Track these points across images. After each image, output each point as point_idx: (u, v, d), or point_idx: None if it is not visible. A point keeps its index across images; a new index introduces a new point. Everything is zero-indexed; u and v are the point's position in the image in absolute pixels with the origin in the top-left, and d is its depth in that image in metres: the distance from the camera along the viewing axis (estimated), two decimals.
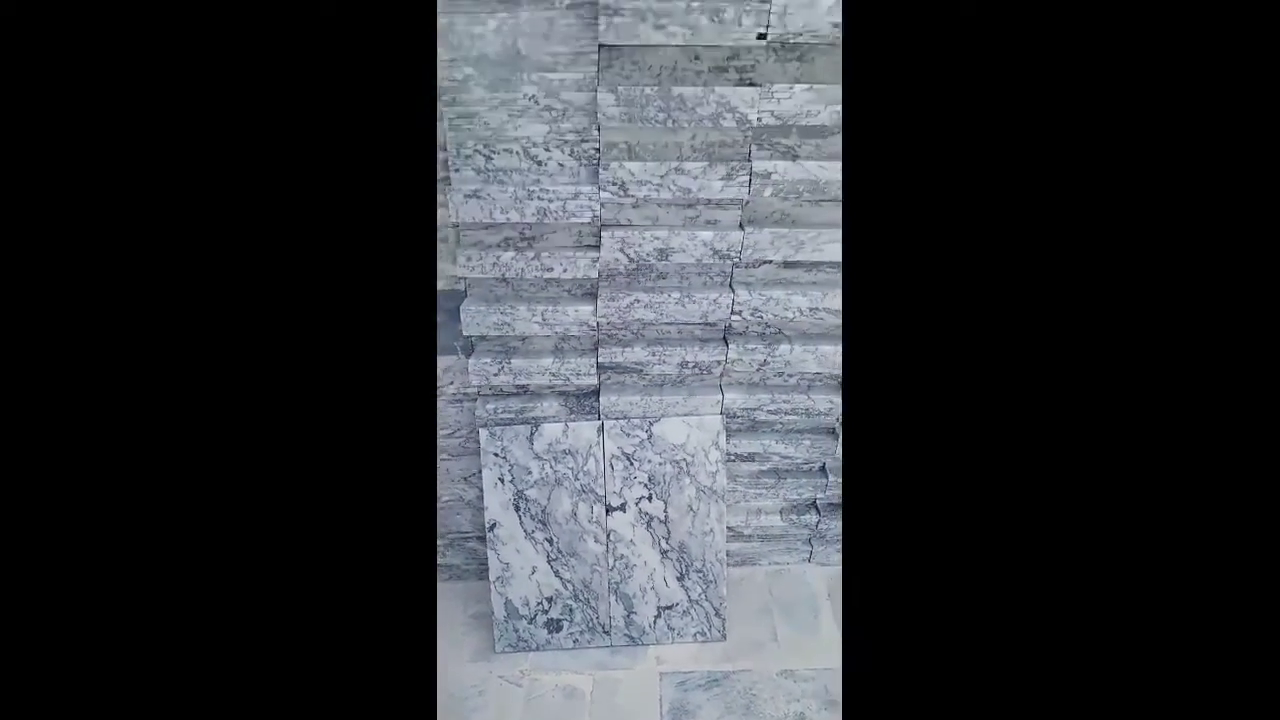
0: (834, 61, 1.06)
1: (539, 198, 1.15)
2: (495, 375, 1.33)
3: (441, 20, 1.02)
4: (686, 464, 1.43)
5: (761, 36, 1.00)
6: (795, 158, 1.13)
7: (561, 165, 1.14)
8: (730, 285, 1.27)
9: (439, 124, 1.10)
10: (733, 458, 1.49)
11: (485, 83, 1.08)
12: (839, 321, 1.32)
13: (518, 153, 1.13)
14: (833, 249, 1.21)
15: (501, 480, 1.41)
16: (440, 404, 1.39)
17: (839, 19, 0.98)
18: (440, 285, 1.28)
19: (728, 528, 1.61)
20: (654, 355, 1.33)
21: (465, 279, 1.26)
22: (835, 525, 1.59)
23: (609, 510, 1.42)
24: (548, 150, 1.13)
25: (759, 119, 1.06)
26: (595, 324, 1.29)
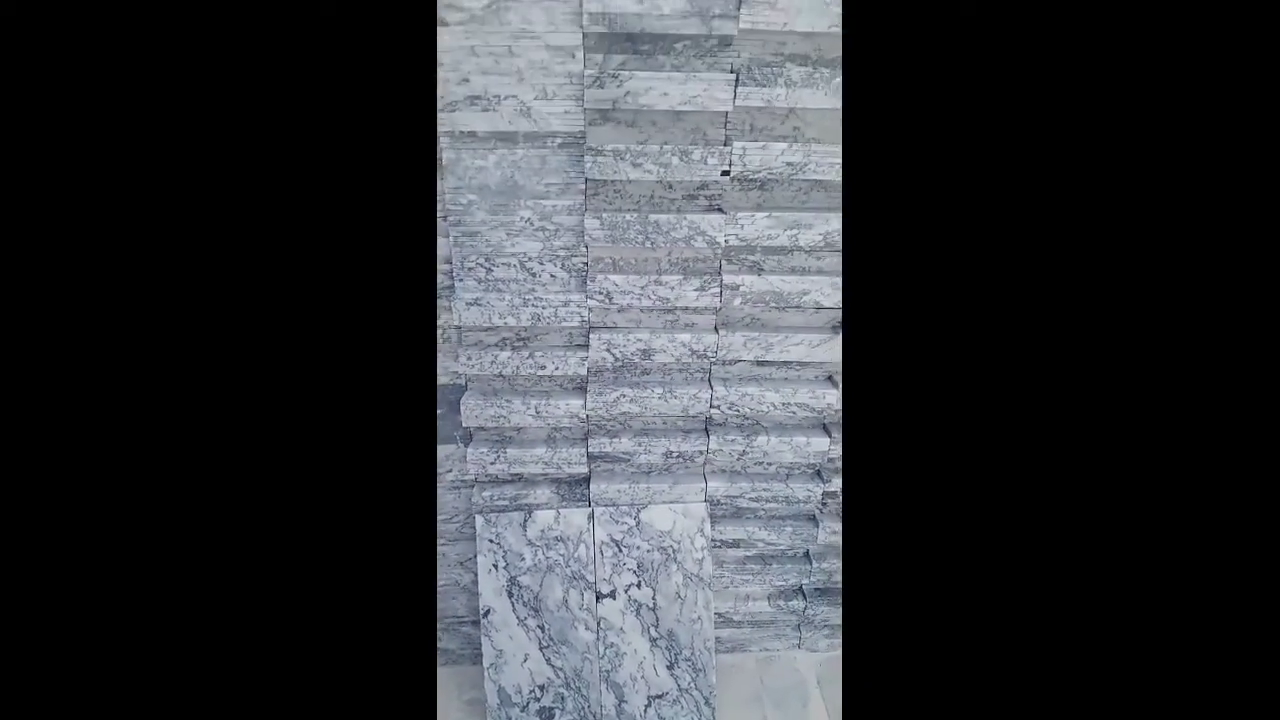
0: (791, 191, 1.20)
1: (533, 304, 1.28)
2: (492, 464, 1.41)
3: (449, 155, 1.18)
4: (674, 550, 1.48)
5: (725, 173, 1.15)
6: (760, 272, 1.26)
7: (554, 276, 1.28)
8: (709, 381, 1.37)
9: (445, 239, 1.24)
10: (719, 544, 1.54)
11: (487, 207, 1.23)
12: (811, 414, 1.41)
13: (515, 266, 1.27)
14: (799, 350, 1.32)
15: (496, 566, 1.47)
16: (440, 490, 1.47)
17: (792, 159, 1.13)
18: (442, 380, 1.39)
19: (717, 614, 1.64)
20: (640, 445, 1.42)
21: (465, 375, 1.37)
22: (822, 611, 1.62)
23: (599, 597, 1.47)
24: (541, 264, 1.27)
25: (726, 240, 1.20)
26: (585, 416, 1.39)
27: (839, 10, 1.02)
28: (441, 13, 1.05)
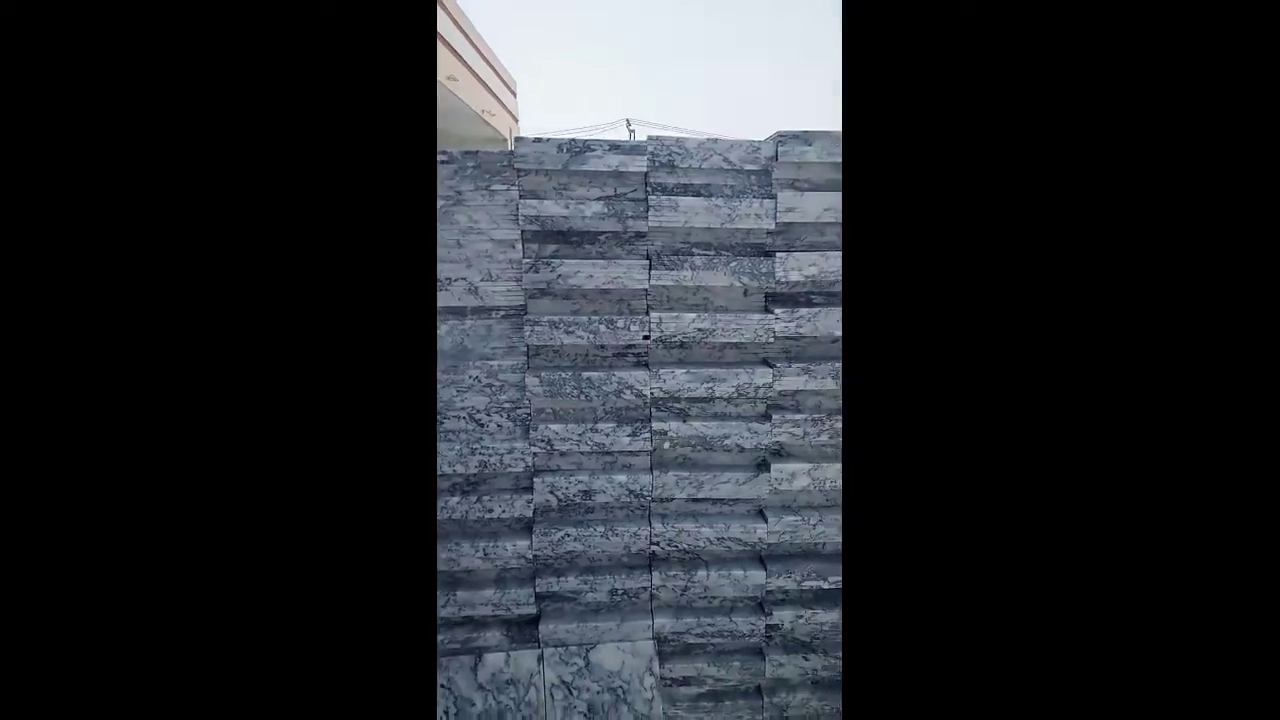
0: (705, 349, 1.38)
1: (480, 453, 1.40)
2: (442, 607, 1.46)
3: None
4: (623, 691, 1.49)
5: (646, 337, 1.33)
6: (686, 419, 1.41)
7: (500, 426, 1.41)
8: (648, 519, 1.47)
9: None
10: (670, 682, 1.56)
11: (440, 368, 1.39)
12: (744, 548, 1.50)
13: (464, 418, 1.41)
14: (727, 488, 1.43)
15: (447, 714, 1.46)
16: None
17: (702, 325, 1.32)
18: None
19: None
20: (586, 584, 1.48)
21: None
22: None
23: None
24: (488, 415, 1.41)
25: (651, 393, 1.36)
26: (531, 555, 1.47)
27: (728, 211, 1.25)
28: None
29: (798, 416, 1.41)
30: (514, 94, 7.19)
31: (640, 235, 1.29)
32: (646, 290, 1.32)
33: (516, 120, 7.39)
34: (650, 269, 1.29)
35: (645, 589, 1.49)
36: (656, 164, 1.25)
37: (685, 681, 1.57)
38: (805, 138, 1.24)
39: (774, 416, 1.40)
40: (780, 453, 1.47)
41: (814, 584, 1.50)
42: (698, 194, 1.27)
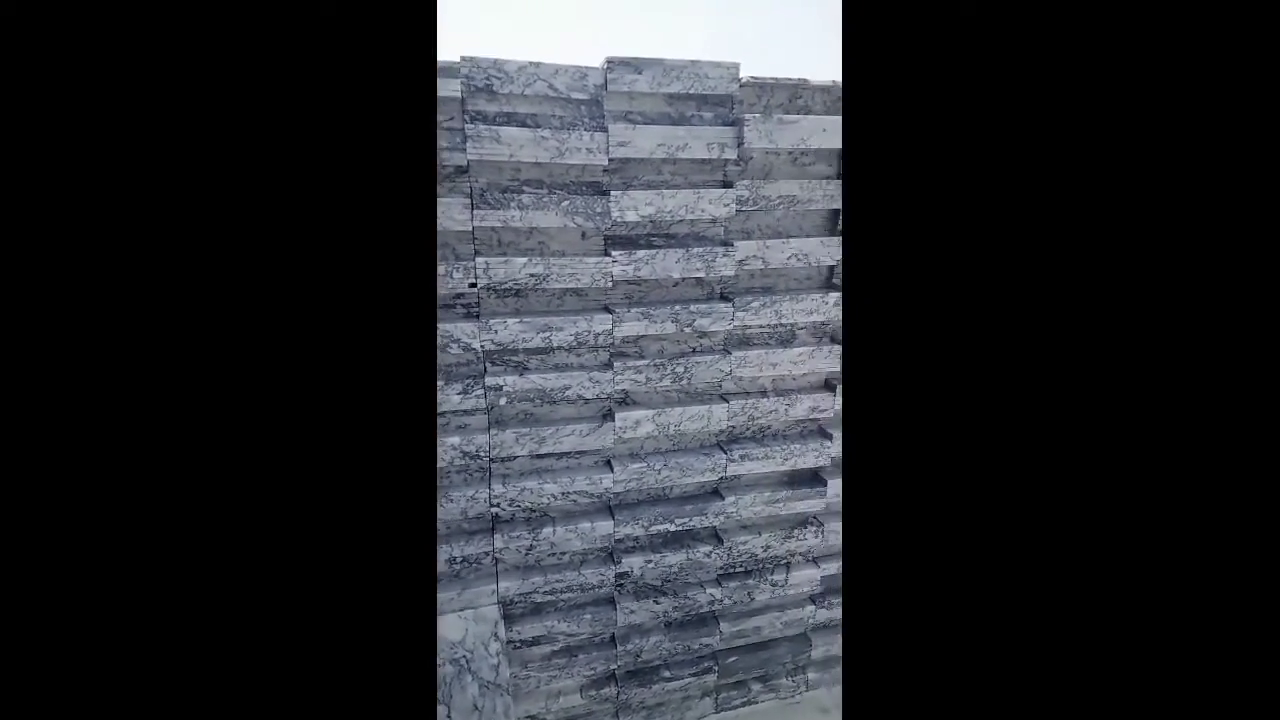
0: (542, 295, 1.29)
1: None
2: None
3: None
4: (467, 660, 1.42)
5: (473, 285, 1.21)
6: (524, 371, 1.32)
7: None
8: (487, 481, 1.38)
9: None
10: (519, 644, 1.51)
11: None
12: (592, 501, 1.47)
13: None
14: (571, 440, 1.38)
15: None
16: None
17: (536, 270, 1.23)
18: None
19: (529, 715, 1.58)
20: None
21: None
22: (636, 693, 1.63)
23: None
24: None
25: (482, 346, 1.25)
26: None
27: (557, 144, 1.15)
28: None
29: (640, 363, 1.37)
30: None
31: (461, 170, 1.15)
32: (472, 232, 1.19)
33: None
34: (473, 208, 1.16)
35: (488, 553, 1.41)
36: (473, 88, 1.11)
37: (536, 641, 1.53)
38: (636, 65, 1.16)
39: (616, 364, 1.36)
40: (625, 401, 1.44)
41: (662, 528, 1.51)
42: (523, 124, 1.15)
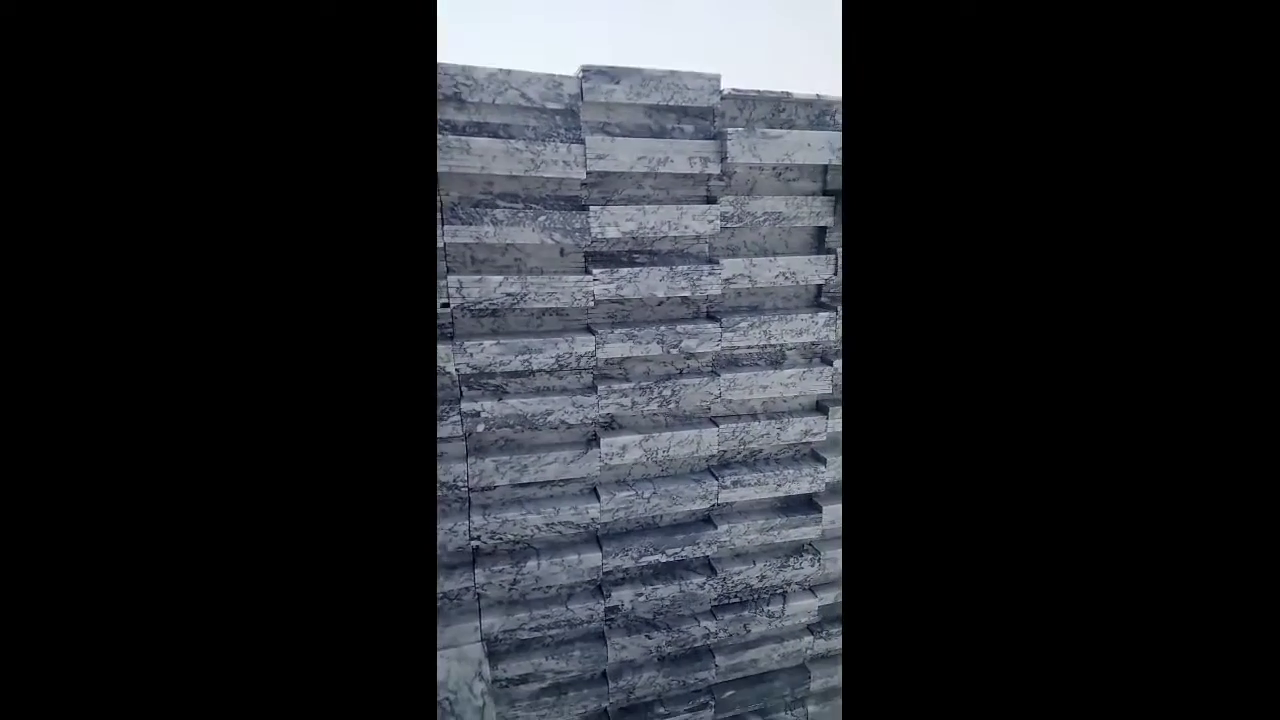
0: (520, 316, 1.23)
1: None
2: None
3: None
4: (450, 703, 1.33)
5: (445, 305, 1.15)
6: (502, 396, 1.25)
7: None
8: (466, 512, 1.31)
9: None
10: (505, 683, 1.42)
11: None
12: (578, 531, 1.40)
13: None
14: (554, 468, 1.31)
15: None
16: None
17: (513, 289, 1.17)
18: None
19: None
20: None
21: None
22: None
23: None
24: None
25: (458, 370, 1.18)
26: None
27: (531, 156, 1.10)
28: None
29: (625, 385, 1.31)
30: None
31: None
32: (443, 249, 1.13)
33: None
34: (443, 223, 1.10)
35: (469, 589, 1.33)
36: (441, 96, 1.06)
37: (523, 679, 1.44)
38: (612, 74, 1.12)
39: (599, 387, 1.29)
40: (610, 425, 1.37)
41: (652, 558, 1.43)
42: (495, 134, 1.09)
